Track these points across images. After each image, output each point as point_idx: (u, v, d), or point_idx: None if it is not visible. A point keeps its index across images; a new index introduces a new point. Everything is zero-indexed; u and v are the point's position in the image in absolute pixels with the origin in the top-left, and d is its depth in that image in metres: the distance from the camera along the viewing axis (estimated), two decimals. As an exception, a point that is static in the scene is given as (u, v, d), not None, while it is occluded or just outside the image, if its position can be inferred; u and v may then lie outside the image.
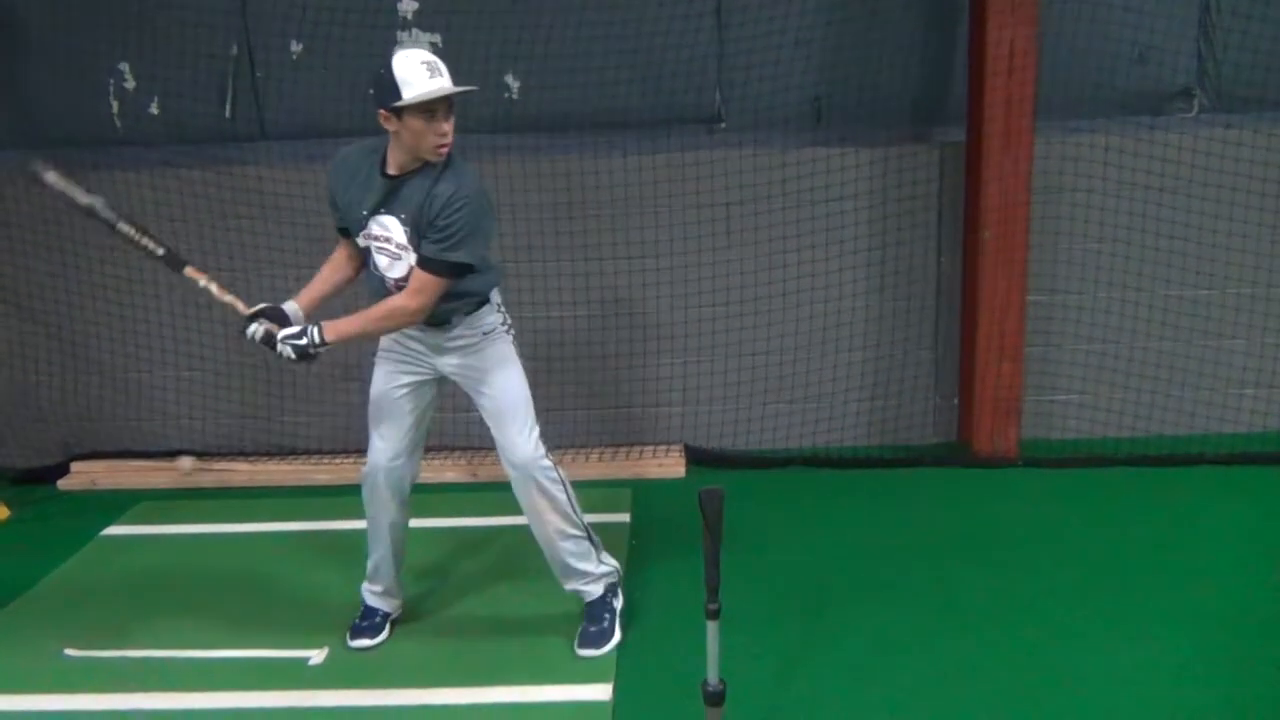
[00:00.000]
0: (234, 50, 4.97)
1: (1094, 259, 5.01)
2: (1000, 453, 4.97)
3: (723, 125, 5.01)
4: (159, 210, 5.03)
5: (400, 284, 3.18)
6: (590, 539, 3.52)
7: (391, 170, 3.10)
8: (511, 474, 3.39)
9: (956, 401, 5.20)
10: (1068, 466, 4.88)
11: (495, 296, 3.37)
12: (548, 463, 3.39)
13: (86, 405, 5.30)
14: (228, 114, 5.04)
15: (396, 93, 2.91)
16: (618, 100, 4.88)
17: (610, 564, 3.60)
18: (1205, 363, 5.11)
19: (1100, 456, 4.93)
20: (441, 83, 2.95)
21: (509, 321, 3.41)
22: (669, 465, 5.02)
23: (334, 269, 3.40)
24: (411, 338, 3.33)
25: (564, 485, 3.43)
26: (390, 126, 3.00)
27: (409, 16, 4.88)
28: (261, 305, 3.20)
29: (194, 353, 5.22)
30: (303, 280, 5.25)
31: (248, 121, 5.04)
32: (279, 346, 3.10)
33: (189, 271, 3.26)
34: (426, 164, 3.07)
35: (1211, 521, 4.30)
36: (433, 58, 2.98)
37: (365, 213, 3.15)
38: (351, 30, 4.80)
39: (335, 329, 3.13)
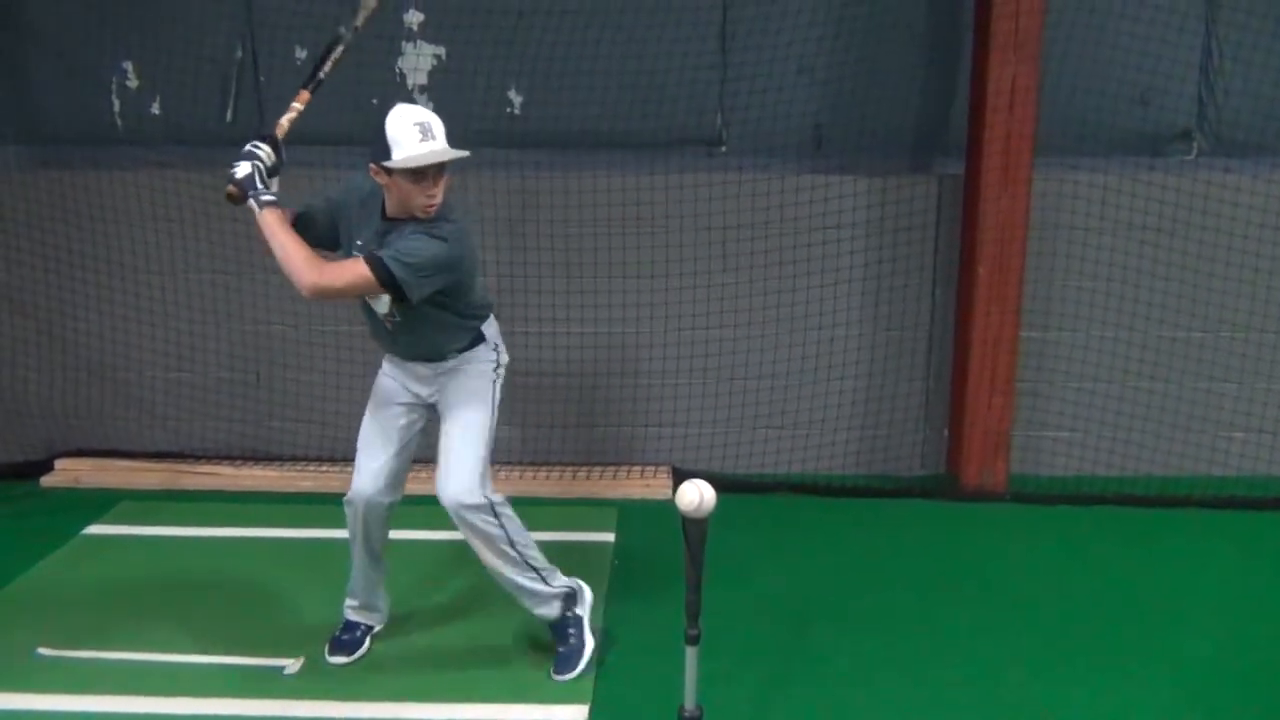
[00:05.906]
0: (238, 54, 4.98)
1: (1088, 297, 5.02)
2: (988, 487, 4.96)
3: (723, 149, 5.03)
4: (155, 211, 5.02)
5: (389, 319, 3.18)
6: (537, 572, 3.37)
7: (389, 213, 3.11)
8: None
9: (946, 434, 5.19)
10: (1055, 503, 4.87)
11: (492, 335, 3.36)
12: (480, 500, 3.21)
13: (74, 403, 5.27)
14: (229, 118, 5.04)
15: (387, 152, 2.93)
16: (619, 120, 4.89)
17: (562, 583, 3.46)
18: (1195, 405, 5.12)
19: (1088, 495, 4.92)
20: (431, 146, 2.95)
21: (502, 364, 3.37)
22: (655, 486, 5.00)
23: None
24: (411, 364, 3.32)
25: (501, 524, 3.25)
26: (380, 180, 3.02)
27: (414, 28, 4.90)
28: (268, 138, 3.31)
29: (183, 354, 5.20)
30: (297, 298, 5.04)
31: (249, 126, 5.03)
32: (239, 163, 3.23)
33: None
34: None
35: (1196, 565, 4.29)
36: (428, 118, 2.99)
37: (360, 243, 3.14)
38: (356, 39, 4.79)
39: (273, 215, 3.09)
